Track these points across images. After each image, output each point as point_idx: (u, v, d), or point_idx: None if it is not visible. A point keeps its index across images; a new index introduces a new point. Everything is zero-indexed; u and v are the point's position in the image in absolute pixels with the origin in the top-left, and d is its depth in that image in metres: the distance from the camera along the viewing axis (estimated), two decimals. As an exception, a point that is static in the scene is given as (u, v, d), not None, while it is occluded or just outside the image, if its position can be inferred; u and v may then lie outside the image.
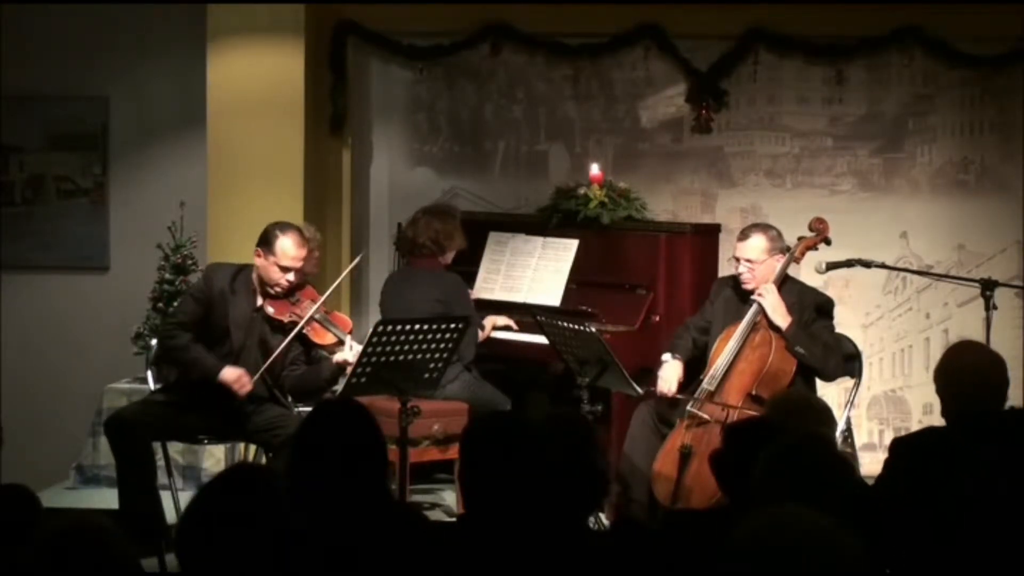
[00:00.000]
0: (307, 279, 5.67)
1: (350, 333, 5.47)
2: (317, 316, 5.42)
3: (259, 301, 5.45)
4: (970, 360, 4.10)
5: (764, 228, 5.71)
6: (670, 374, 5.59)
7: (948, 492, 2.71)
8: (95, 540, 2.58)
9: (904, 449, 3.77)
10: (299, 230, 5.45)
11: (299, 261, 5.38)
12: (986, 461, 2.79)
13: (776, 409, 4.06)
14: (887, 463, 3.80)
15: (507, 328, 6.32)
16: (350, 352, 5.30)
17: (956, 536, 2.69)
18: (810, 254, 5.80)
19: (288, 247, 5.34)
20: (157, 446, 5.51)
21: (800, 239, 5.72)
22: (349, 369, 5.13)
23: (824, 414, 4.04)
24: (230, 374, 5.31)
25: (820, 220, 5.75)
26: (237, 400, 5.32)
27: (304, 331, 5.38)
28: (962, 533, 2.68)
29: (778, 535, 2.24)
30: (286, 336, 5.37)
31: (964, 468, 2.75)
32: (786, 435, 3.22)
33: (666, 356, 5.68)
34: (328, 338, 5.42)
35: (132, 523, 4.99)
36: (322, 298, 5.47)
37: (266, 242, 5.38)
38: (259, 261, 5.41)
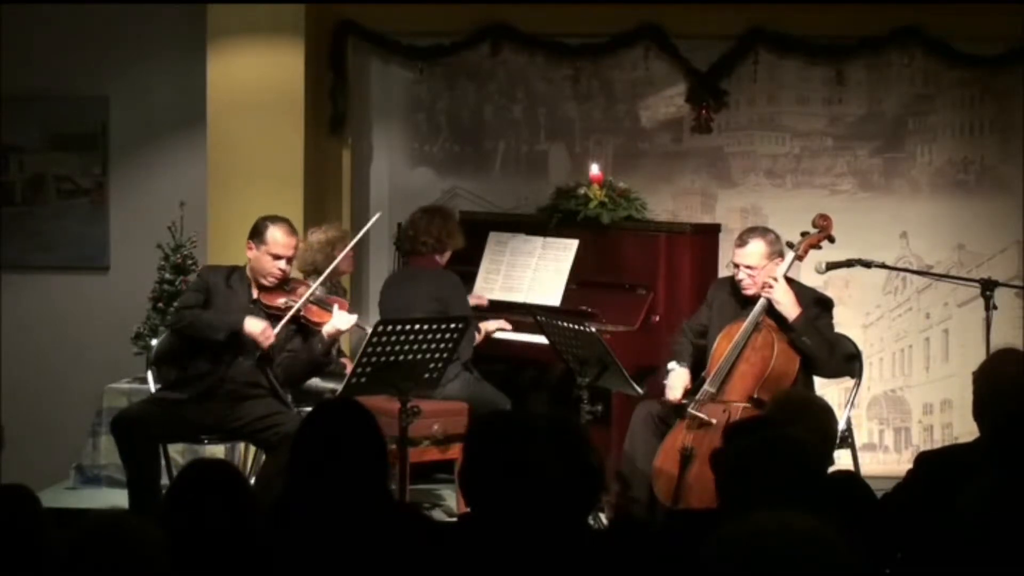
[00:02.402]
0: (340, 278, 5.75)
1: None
2: (312, 298, 5.46)
3: (255, 294, 5.49)
4: (1012, 370, 4.05)
5: (762, 233, 5.69)
6: (677, 382, 5.58)
7: (964, 514, 2.70)
8: (133, 539, 2.59)
9: (927, 465, 3.78)
10: (287, 221, 5.54)
11: (290, 249, 5.47)
12: (1008, 486, 2.77)
13: (777, 409, 4.07)
14: (910, 474, 3.81)
15: (500, 329, 6.32)
16: (342, 321, 5.39)
17: (963, 557, 2.69)
18: (812, 252, 5.78)
19: (278, 235, 5.44)
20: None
21: (803, 235, 5.70)
22: (348, 365, 5.14)
23: (825, 413, 4.04)
24: (254, 324, 5.35)
25: (824, 217, 5.72)
26: (262, 350, 5.36)
27: (302, 314, 5.41)
28: (971, 556, 2.67)
29: (764, 540, 2.24)
30: (284, 324, 5.41)
31: (985, 492, 2.74)
32: (750, 437, 3.24)
33: (672, 364, 5.67)
34: (326, 318, 5.46)
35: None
36: (322, 276, 5.53)
37: (256, 233, 5.48)
38: (251, 254, 5.49)
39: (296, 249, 5.56)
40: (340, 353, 6.17)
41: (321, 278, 5.55)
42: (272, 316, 5.45)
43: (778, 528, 2.25)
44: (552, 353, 5.70)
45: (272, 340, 5.36)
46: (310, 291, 5.45)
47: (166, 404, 5.42)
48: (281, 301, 5.46)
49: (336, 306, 5.49)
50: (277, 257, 5.44)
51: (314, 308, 5.49)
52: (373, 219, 5.83)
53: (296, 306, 5.40)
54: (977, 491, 2.72)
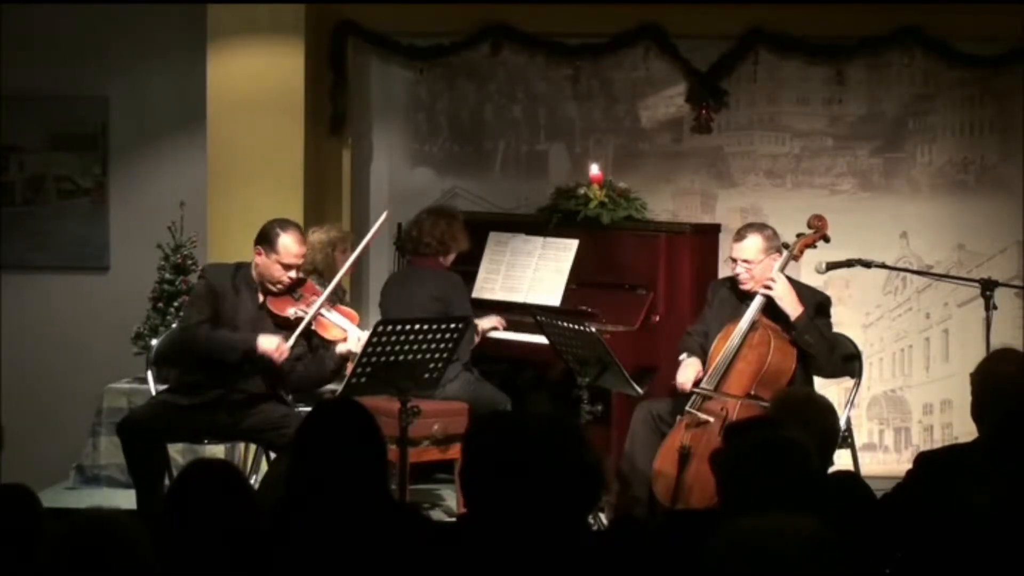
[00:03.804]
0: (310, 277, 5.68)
1: (358, 325, 5.48)
2: (323, 310, 5.42)
3: (261, 298, 5.45)
4: (1008, 369, 4.05)
5: (760, 228, 5.71)
6: (688, 369, 5.58)
7: (964, 514, 2.71)
8: (115, 536, 2.59)
9: (927, 465, 3.79)
10: (298, 227, 5.47)
11: (301, 258, 5.41)
12: (1009, 485, 2.78)
13: (779, 407, 4.06)
14: (910, 474, 3.82)
15: (494, 329, 6.31)
16: (356, 343, 5.32)
17: (964, 557, 2.70)
18: (809, 252, 5.79)
19: (290, 245, 5.35)
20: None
21: (799, 236, 5.71)
22: (350, 366, 5.13)
23: (827, 412, 4.03)
24: (268, 342, 5.29)
25: (819, 217, 5.74)
26: (277, 367, 5.31)
27: (312, 326, 5.38)
28: (971, 556, 2.68)
29: (764, 541, 2.24)
30: (292, 332, 5.36)
31: (984, 492, 2.75)
32: (743, 438, 3.24)
33: (683, 356, 5.68)
34: (335, 332, 5.42)
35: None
36: (328, 289, 5.46)
37: (267, 240, 5.37)
38: (259, 259, 5.40)
39: (304, 258, 5.48)
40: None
41: (330, 288, 5.46)
42: (280, 325, 5.41)
43: (778, 528, 2.26)
44: (552, 353, 5.70)
45: (286, 355, 5.30)
46: (319, 301, 5.38)
47: (172, 407, 5.39)
48: (291, 311, 5.39)
49: (350, 323, 5.41)
50: (288, 267, 5.37)
51: (323, 321, 5.43)
52: (382, 218, 5.70)
53: (306, 319, 5.34)
54: (977, 491, 2.72)
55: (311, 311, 5.37)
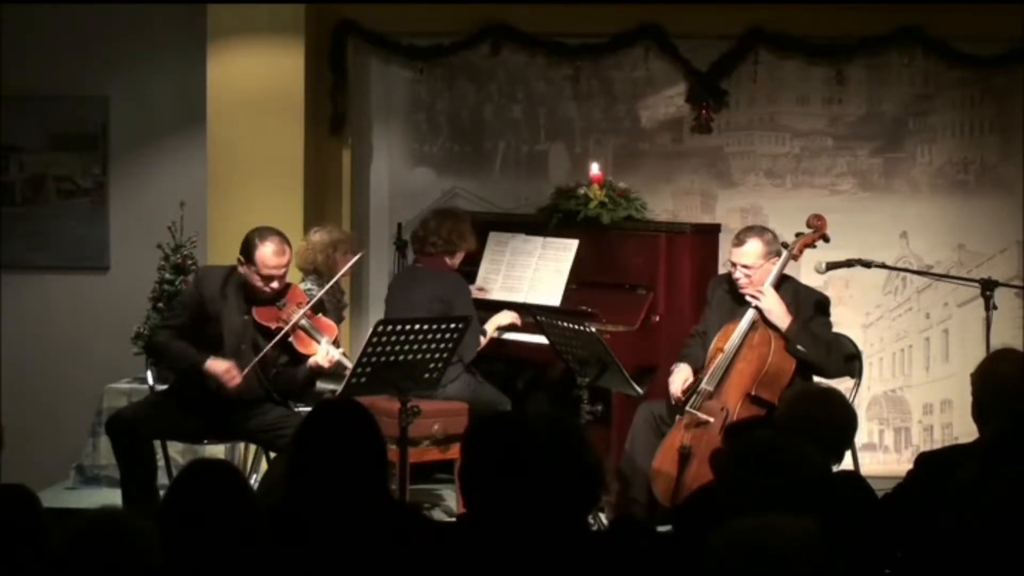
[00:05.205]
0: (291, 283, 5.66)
1: (335, 342, 5.43)
2: (302, 323, 5.37)
3: (247, 308, 5.41)
4: (1008, 369, 4.04)
5: (759, 232, 5.70)
6: (677, 377, 5.59)
7: (964, 514, 2.71)
8: (125, 535, 2.60)
9: (928, 466, 3.79)
10: (279, 236, 5.35)
11: (280, 269, 5.33)
12: (1009, 487, 2.77)
13: (794, 402, 3.98)
14: (910, 474, 3.82)
15: (512, 327, 6.29)
16: (324, 356, 5.29)
17: (964, 555, 2.69)
18: (809, 252, 5.79)
19: (267, 256, 5.28)
20: (157, 445, 5.53)
21: (798, 236, 5.71)
22: (347, 372, 5.12)
23: (844, 405, 3.99)
24: (219, 365, 5.28)
25: (818, 217, 5.75)
26: (227, 392, 5.28)
27: (290, 339, 5.36)
28: (971, 556, 2.68)
29: (763, 542, 2.24)
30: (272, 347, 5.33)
31: (984, 492, 2.74)
32: (744, 438, 3.25)
33: (675, 365, 5.68)
34: (312, 347, 5.37)
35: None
36: (308, 305, 5.40)
37: (245, 251, 5.32)
38: (242, 270, 5.36)
39: (288, 267, 5.39)
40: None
41: (309, 304, 5.40)
42: (265, 336, 5.39)
43: (778, 528, 2.26)
44: (552, 353, 5.70)
45: (238, 380, 5.25)
46: (299, 314, 5.33)
47: (164, 405, 5.40)
48: (273, 323, 5.36)
49: (325, 339, 5.35)
50: (267, 278, 5.30)
51: (303, 335, 5.38)
52: (355, 258, 5.75)
53: (282, 332, 5.30)
54: (977, 491, 2.72)
55: (289, 324, 5.32)
